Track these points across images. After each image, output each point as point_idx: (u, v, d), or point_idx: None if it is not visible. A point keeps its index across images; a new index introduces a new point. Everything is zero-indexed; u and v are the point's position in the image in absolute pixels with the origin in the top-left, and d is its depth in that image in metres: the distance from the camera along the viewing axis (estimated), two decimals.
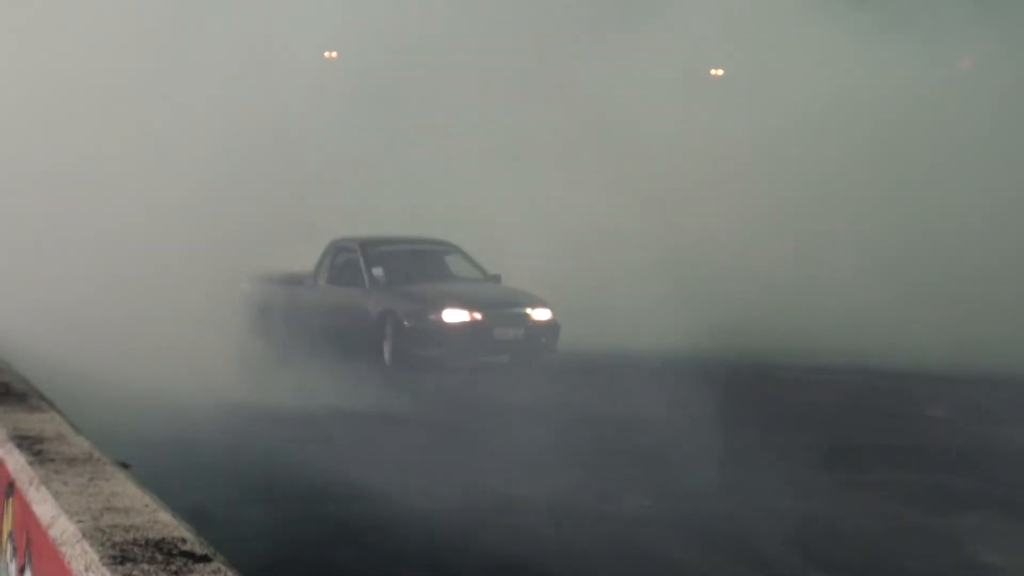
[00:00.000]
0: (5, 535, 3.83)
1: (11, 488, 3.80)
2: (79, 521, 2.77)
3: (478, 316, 17.92)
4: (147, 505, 2.95)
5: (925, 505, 9.92)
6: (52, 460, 3.66)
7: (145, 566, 2.33)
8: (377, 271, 18.98)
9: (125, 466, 3.55)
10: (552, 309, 18.37)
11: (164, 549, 2.49)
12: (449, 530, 8.46)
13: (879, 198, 23.87)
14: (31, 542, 3.29)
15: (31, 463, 3.66)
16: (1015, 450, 12.66)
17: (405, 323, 18.18)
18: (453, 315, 18.07)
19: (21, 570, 3.49)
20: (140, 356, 15.63)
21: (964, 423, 14.65)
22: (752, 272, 21.45)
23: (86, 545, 2.53)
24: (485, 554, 8.09)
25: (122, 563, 2.34)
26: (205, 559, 2.43)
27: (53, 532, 2.86)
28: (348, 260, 19.60)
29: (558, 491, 10.09)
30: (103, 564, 2.36)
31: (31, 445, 3.89)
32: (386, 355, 18.19)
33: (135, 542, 2.54)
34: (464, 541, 8.45)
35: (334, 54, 25.91)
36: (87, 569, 2.42)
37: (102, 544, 2.52)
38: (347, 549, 8.52)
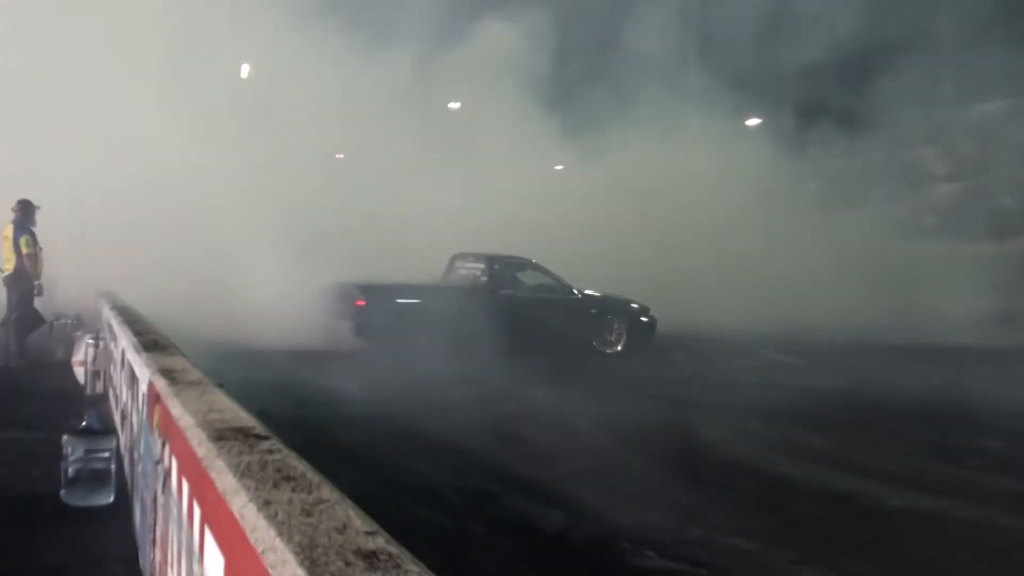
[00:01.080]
0: (155, 424, 4.73)
1: (158, 398, 4.64)
2: (194, 416, 3.67)
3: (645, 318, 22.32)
4: (232, 408, 3.91)
5: None
6: (179, 383, 4.55)
7: (231, 442, 3.16)
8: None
9: (221, 385, 4.54)
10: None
11: (242, 432, 3.35)
12: None
13: None
14: (169, 429, 4.15)
15: (168, 384, 4.54)
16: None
17: (616, 324, 22.55)
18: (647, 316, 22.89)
19: (163, 444, 4.36)
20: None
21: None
22: None
23: (199, 430, 3.42)
24: None
25: (219, 440, 3.19)
26: (266, 438, 3.29)
27: (181, 423, 3.78)
28: (517, 272, 22.49)
29: None
30: (209, 440, 3.21)
31: (169, 374, 4.83)
32: (617, 345, 22.53)
33: (226, 428, 3.41)
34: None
35: None
36: (199, 444, 3.27)
37: (208, 429, 3.41)
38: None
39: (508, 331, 20.01)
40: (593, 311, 22.65)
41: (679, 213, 29.39)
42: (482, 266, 22.47)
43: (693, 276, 27.78)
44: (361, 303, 20.28)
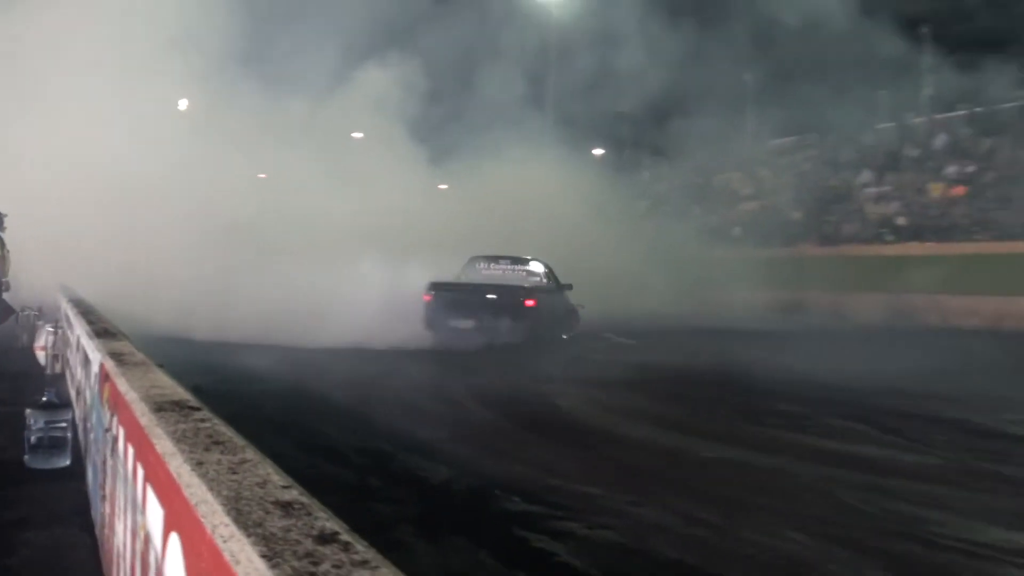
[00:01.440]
0: (105, 398, 4.69)
1: (108, 376, 4.61)
2: (138, 392, 3.59)
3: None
4: (171, 384, 3.84)
5: None
6: (125, 364, 4.46)
7: (169, 413, 3.09)
8: None
9: (161, 366, 4.48)
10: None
11: (179, 405, 3.28)
12: None
13: None
14: (117, 403, 4.11)
15: (116, 365, 4.44)
16: None
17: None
18: None
19: (112, 415, 4.31)
20: None
21: None
22: None
23: (142, 403, 3.34)
24: None
25: (159, 411, 3.12)
26: (199, 409, 3.22)
27: (127, 397, 3.72)
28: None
29: None
30: (150, 411, 3.14)
31: (117, 356, 4.74)
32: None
33: (165, 401, 3.33)
34: None
35: None
36: (142, 415, 3.20)
37: (150, 402, 3.32)
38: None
39: (563, 323, 20.95)
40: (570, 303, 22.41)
41: (538, 225, 29.41)
42: (540, 268, 21.92)
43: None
44: (532, 303, 19.77)
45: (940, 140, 42.57)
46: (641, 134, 53.37)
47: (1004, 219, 34.33)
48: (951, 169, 39.82)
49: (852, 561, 5.78)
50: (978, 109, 43.34)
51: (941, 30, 45.37)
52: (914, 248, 35.82)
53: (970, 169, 38.85)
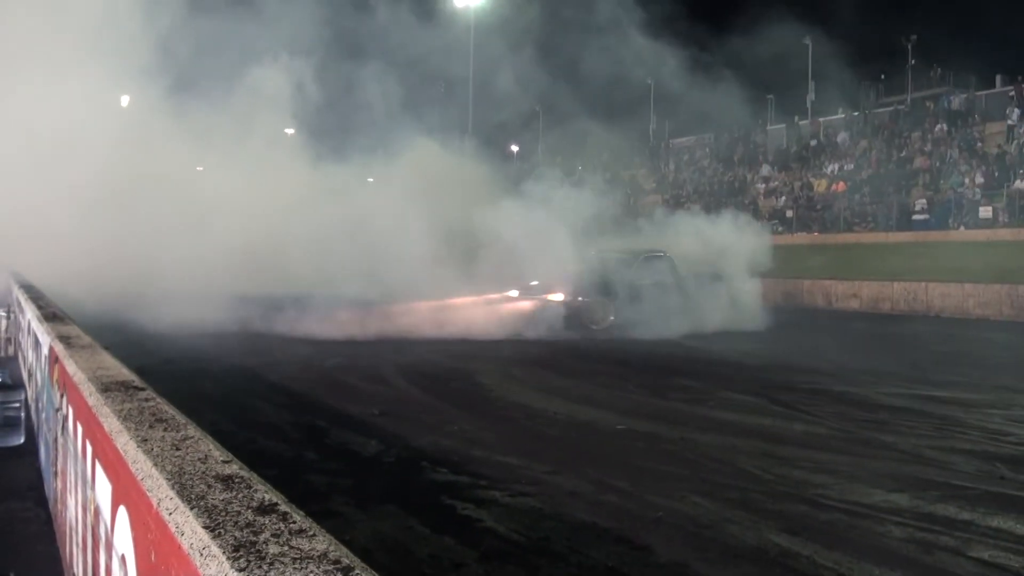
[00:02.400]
0: (55, 379, 4.62)
1: (57, 359, 4.52)
2: (85, 373, 3.50)
3: None
4: (117, 366, 3.76)
5: None
6: (73, 346, 4.37)
7: (116, 393, 3.04)
8: None
9: (107, 348, 4.36)
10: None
11: (124, 385, 3.22)
12: None
13: None
14: (66, 383, 4.04)
15: (65, 347, 4.35)
16: None
17: None
18: None
19: (61, 396, 4.25)
20: None
21: None
22: None
23: (90, 384, 3.28)
24: None
25: (106, 391, 3.06)
26: (143, 389, 3.15)
27: (75, 378, 3.63)
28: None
29: None
30: (97, 392, 3.07)
31: (65, 340, 4.63)
32: None
33: (111, 382, 3.27)
34: None
35: None
36: (90, 395, 3.14)
37: (97, 383, 3.25)
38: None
39: None
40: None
41: None
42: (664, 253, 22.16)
43: None
44: None
45: (822, 140, 43.40)
46: (553, 134, 53.66)
47: (879, 212, 35.20)
48: (832, 167, 40.63)
49: (749, 521, 5.86)
50: (855, 113, 44.35)
51: (822, 43, 46.35)
52: (801, 238, 36.51)
53: (849, 167, 39.68)
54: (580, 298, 19.98)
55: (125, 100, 29.18)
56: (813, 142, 44.39)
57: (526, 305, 19.91)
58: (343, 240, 22.14)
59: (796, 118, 48.37)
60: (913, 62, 47.21)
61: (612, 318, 20.01)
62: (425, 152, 29.63)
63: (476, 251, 20.91)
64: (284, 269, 21.69)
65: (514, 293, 20.19)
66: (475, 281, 20.19)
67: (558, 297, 19.86)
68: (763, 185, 43.14)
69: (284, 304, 18.15)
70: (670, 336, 18.36)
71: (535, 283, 20.28)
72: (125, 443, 2.30)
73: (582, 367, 14.04)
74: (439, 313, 19.08)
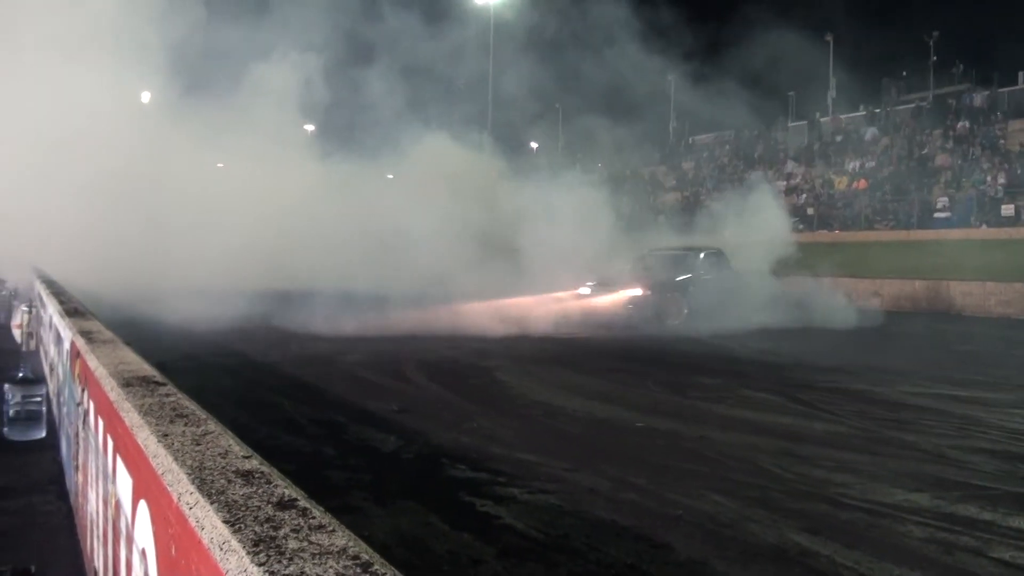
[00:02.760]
0: (76, 374, 4.65)
1: (78, 354, 4.55)
2: (107, 368, 3.54)
3: None
4: (138, 361, 3.79)
5: None
6: (95, 341, 4.42)
7: (136, 388, 3.07)
8: None
9: (129, 343, 4.42)
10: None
11: (145, 380, 3.25)
12: None
13: None
14: (87, 378, 4.05)
15: (86, 342, 4.39)
16: None
17: None
18: None
19: (83, 390, 4.28)
20: None
21: None
22: None
23: (111, 379, 3.31)
24: None
25: (127, 386, 3.09)
26: (164, 384, 3.18)
27: (96, 373, 3.67)
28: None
29: None
30: (118, 386, 3.11)
31: (87, 335, 4.67)
32: None
33: (132, 377, 3.30)
34: None
35: None
36: (111, 389, 3.18)
37: (118, 378, 3.28)
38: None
39: None
40: None
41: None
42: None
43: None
44: None
45: (844, 137, 43.18)
46: (571, 131, 53.63)
47: (900, 210, 34.98)
48: (853, 164, 40.39)
49: (769, 520, 5.83)
50: (876, 110, 44.10)
51: (843, 39, 46.18)
52: (822, 236, 36.33)
53: (870, 165, 39.44)
54: (656, 294, 20.33)
55: (146, 96, 29.31)
56: (839, 138, 44.18)
57: (603, 302, 20.26)
58: (382, 238, 22.55)
59: (817, 115, 48.17)
60: (935, 59, 47.00)
61: (686, 311, 20.38)
62: (443, 150, 29.72)
63: (518, 249, 21.34)
64: (321, 266, 22.05)
65: (586, 290, 20.44)
66: (530, 279, 20.59)
67: (636, 293, 20.25)
68: (784, 183, 42.92)
69: (327, 301, 18.35)
70: (735, 329, 18.81)
71: (604, 280, 20.86)
72: (146, 438, 2.31)
73: (601, 364, 14.00)
74: (512, 311, 19.45)
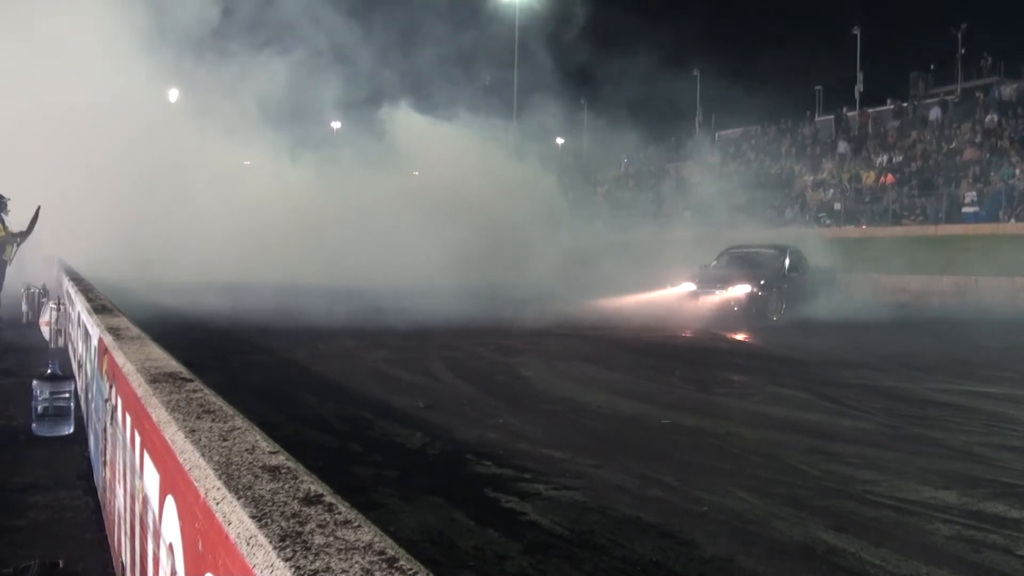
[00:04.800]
0: (104, 370, 4.70)
1: (106, 350, 4.60)
2: (134, 364, 3.59)
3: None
4: (165, 357, 3.85)
5: None
6: (122, 338, 4.46)
7: (164, 384, 3.11)
8: None
9: (156, 340, 4.49)
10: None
11: (172, 376, 3.29)
12: None
13: None
14: (115, 374, 4.10)
15: (114, 339, 4.44)
16: None
17: None
18: None
19: (110, 386, 4.31)
20: None
21: None
22: None
23: (138, 375, 3.35)
24: None
25: (154, 382, 3.13)
26: (191, 380, 3.23)
27: (124, 369, 3.73)
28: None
29: None
30: (146, 383, 3.15)
31: (114, 331, 4.73)
32: None
33: (159, 373, 3.35)
34: None
35: None
36: (139, 385, 3.23)
37: (145, 374, 3.34)
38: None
39: None
40: None
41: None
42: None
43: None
44: None
45: (871, 132, 42.87)
46: (599, 126, 53.56)
47: (928, 204, 34.71)
48: (881, 159, 40.10)
49: (795, 517, 5.81)
50: (904, 104, 43.76)
51: (871, 32, 45.88)
52: (849, 231, 36.09)
53: (898, 159, 39.15)
54: (761, 291, 20.95)
55: (174, 95, 29.55)
56: (861, 133, 43.88)
57: (715, 299, 20.96)
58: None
59: (844, 109, 47.84)
60: (963, 51, 46.60)
61: (784, 306, 21.26)
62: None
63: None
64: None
65: (691, 287, 21.34)
66: (615, 278, 21.80)
67: (745, 289, 20.86)
68: (811, 177, 42.65)
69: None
70: (818, 320, 20.24)
71: (706, 277, 21.90)
72: (173, 433, 2.33)
73: (626, 361, 13.98)
74: (626, 309, 20.49)
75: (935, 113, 41.06)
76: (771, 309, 21.08)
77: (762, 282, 21.20)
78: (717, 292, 21.06)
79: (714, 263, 23.41)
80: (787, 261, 22.61)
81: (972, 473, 7.07)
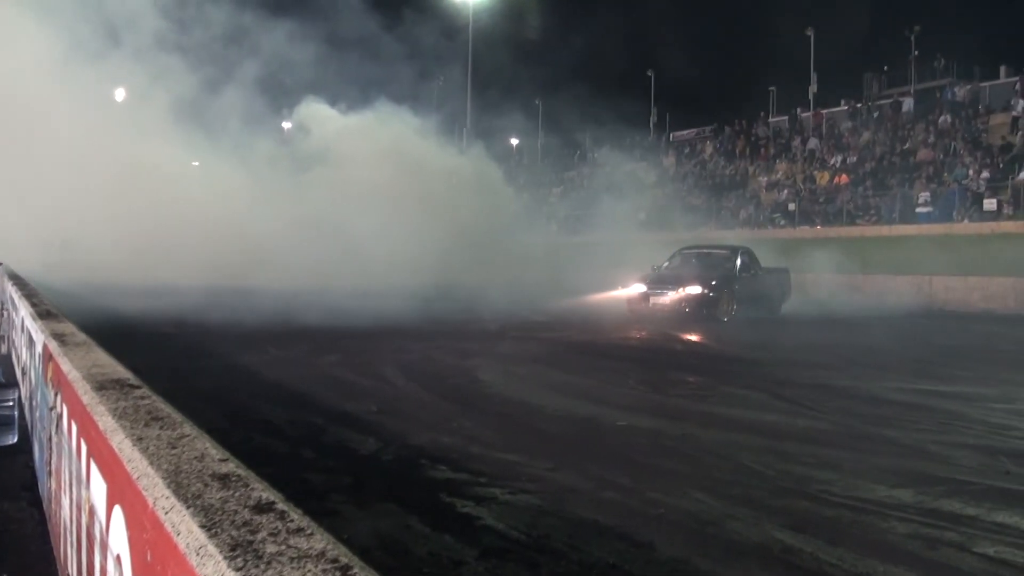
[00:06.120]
0: (49, 377, 4.63)
1: (51, 356, 4.53)
2: (80, 371, 3.55)
3: None
4: (112, 364, 3.79)
5: None
6: (67, 344, 4.42)
7: (110, 391, 3.06)
8: None
9: (101, 345, 4.41)
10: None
11: (119, 383, 3.25)
12: None
13: None
14: (60, 381, 4.05)
15: (59, 345, 4.39)
16: None
17: None
18: None
19: (56, 394, 4.25)
20: None
21: None
22: None
23: (84, 382, 3.30)
24: None
25: (100, 389, 3.09)
26: (139, 387, 3.19)
27: (70, 376, 3.66)
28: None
29: None
30: (92, 390, 3.10)
31: (59, 337, 4.65)
32: None
33: (106, 380, 3.30)
34: None
35: None
36: (85, 393, 3.17)
37: (92, 381, 3.28)
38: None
39: None
40: None
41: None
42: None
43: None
44: None
45: (825, 132, 43.35)
46: (553, 127, 53.76)
47: (882, 205, 35.16)
48: (835, 159, 40.57)
49: (752, 518, 5.86)
50: (858, 105, 44.30)
51: (824, 34, 46.42)
52: (804, 232, 36.48)
53: (852, 159, 39.63)
54: (715, 291, 21.27)
55: (120, 94, 29.24)
56: (815, 134, 44.38)
57: (664, 300, 21.24)
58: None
59: (798, 110, 48.38)
60: (916, 53, 47.31)
61: (735, 307, 21.52)
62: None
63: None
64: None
65: (641, 288, 21.34)
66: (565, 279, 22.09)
67: (695, 290, 21.14)
68: (765, 178, 43.06)
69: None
70: (771, 321, 21.21)
71: (657, 279, 22.26)
72: (120, 442, 2.31)
73: (582, 363, 14.03)
74: (578, 311, 20.74)
75: (908, 104, 41.50)
76: (722, 310, 21.37)
77: (713, 283, 21.55)
78: (668, 293, 21.34)
79: (666, 264, 23.60)
80: (738, 262, 22.97)
81: (927, 471, 7.17)
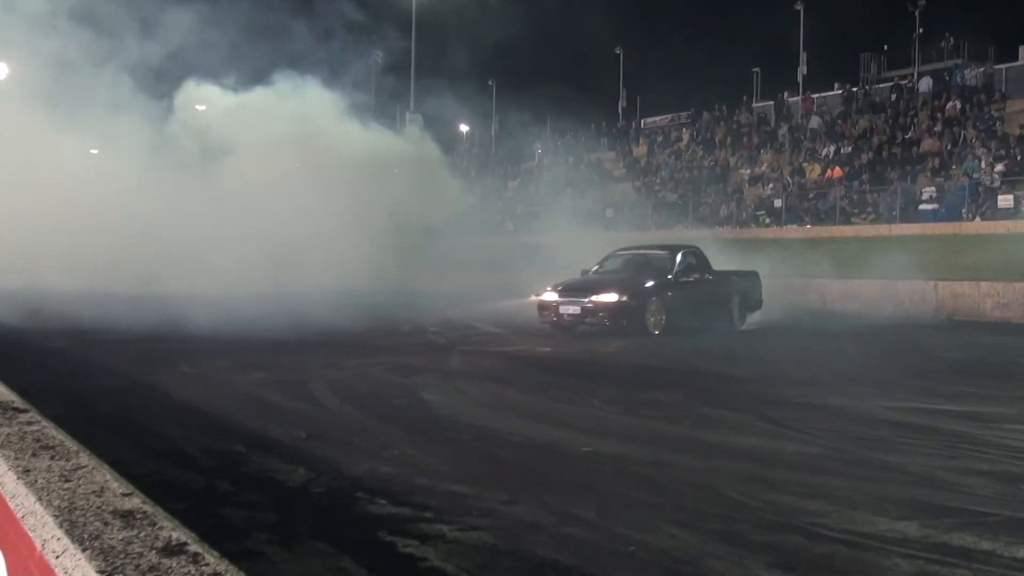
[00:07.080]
0: None
1: None
2: None
3: None
4: None
5: None
6: None
7: None
8: None
9: None
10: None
11: (3, 406, 3.17)
12: None
13: None
14: None
15: None
16: None
17: None
18: None
19: None
20: None
21: None
22: None
23: None
24: None
25: None
26: (25, 411, 3.14)
27: None
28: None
29: None
30: None
31: None
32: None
33: None
34: None
35: None
36: None
37: None
38: None
39: None
40: None
41: None
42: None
43: None
44: None
45: (815, 120, 43.63)
46: (509, 111, 53.81)
47: (881, 202, 35.42)
48: (827, 150, 40.84)
49: (734, 555, 5.86)
50: (853, 89, 44.65)
51: (815, 8, 46.79)
52: (792, 231, 36.71)
53: (846, 150, 39.90)
54: (633, 299, 20.55)
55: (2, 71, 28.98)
56: (806, 121, 44.70)
57: (575, 310, 20.56)
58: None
59: (785, 94, 48.72)
60: (921, 31, 47.78)
61: (665, 318, 20.85)
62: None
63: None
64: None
65: (552, 296, 20.69)
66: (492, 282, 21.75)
67: (611, 298, 20.40)
68: (748, 170, 43.34)
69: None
70: (714, 333, 20.53)
71: (572, 285, 21.58)
72: (2, 474, 2.27)
73: (541, 380, 14.05)
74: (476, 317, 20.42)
75: (926, 83, 41.66)
76: (650, 322, 20.76)
77: (636, 289, 20.99)
78: (580, 302, 20.70)
79: (596, 267, 23.25)
80: (677, 264, 22.24)
81: (934, 501, 7.21)
